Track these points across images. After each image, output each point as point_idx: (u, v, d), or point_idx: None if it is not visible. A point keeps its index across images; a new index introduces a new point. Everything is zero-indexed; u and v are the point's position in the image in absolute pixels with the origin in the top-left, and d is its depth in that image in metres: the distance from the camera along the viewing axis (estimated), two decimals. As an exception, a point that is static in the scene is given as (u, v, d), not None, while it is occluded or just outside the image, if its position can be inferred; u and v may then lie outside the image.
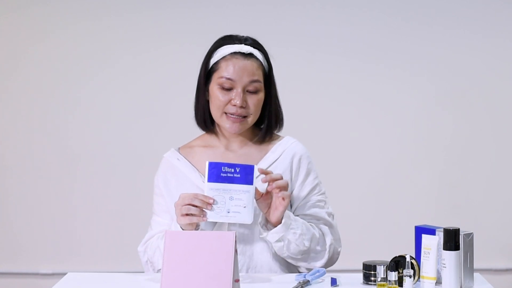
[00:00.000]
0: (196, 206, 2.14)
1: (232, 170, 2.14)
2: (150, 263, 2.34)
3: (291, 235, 2.23)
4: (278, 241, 2.23)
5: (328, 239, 2.33)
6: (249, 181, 2.14)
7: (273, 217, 2.20)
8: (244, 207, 2.13)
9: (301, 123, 3.99)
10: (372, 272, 2.10)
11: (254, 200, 2.16)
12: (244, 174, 2.14)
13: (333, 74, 4.05)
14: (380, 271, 2.00)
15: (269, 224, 2.23)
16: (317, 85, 4.05)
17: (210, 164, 2.14)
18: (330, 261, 2.35)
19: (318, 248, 2.30)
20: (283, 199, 2.18)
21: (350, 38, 4.04)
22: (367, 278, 2.12)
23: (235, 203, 2.13)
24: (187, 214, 2.14)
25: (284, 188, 2.18)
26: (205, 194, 2.14)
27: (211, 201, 2.14)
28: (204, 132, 2.43)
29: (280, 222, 2.20)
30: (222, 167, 2.14)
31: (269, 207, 2.21)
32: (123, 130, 4.05)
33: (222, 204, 2.14)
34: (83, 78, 4.05)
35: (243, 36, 2.36)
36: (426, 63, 4.05)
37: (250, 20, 4.01)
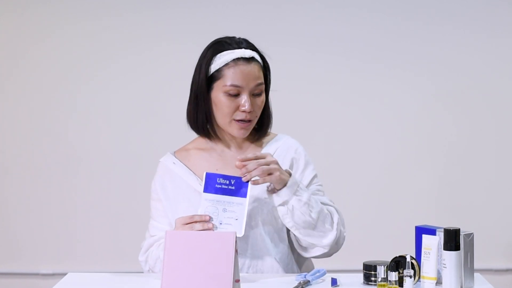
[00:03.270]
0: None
1: (227, 182, 2.15)
2: (152, 272, 2.33)
3: (295, 201, 2.20)
4: (281, 205, 2.21)
5: (335, 218, 2.30)
6: (243, 194, 2.14)
7: (276, 186, 2.20)
8: (236, 219, 2.14)
9: (301, 123, 3.99)
10: (373, 272, 2.10)
11: (246, 213, 2.15)
12: (239, 187, 2.15)
13: (333, 74, 4.05)
14: (381, 271, 2.00)
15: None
16: (317, 85, 4.05)
17: (207, 174, 2.15)
18: (337, 245, 2.31)
19: (327, 225, 2.27)
20: (269, 174, 2.17)
21: (350, 38, 4.04)
22: (367, 278, 2.12)
23: (228, 215, 2.14)
24: None
25: (256, 168, 2.16)
26: (201, 204, 2.15)
27: (207, 217, 2.14)
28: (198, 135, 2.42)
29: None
30: (217, 179, 2.15)
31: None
32: (123, 130, 4.05)
33: (215, 216, 2.14)
34: (83, 78, 4.05)
35: (238, 39, 2.34)
36: (426, 63, 4.04)
37: (250, 20, 4.01)
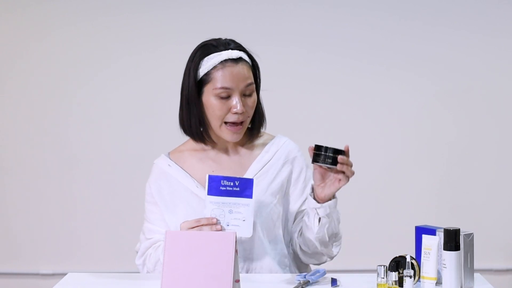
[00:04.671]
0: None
1: (232, 184, 2.14)
2: (151, 274, 2.33)
3: (336, 214, 2.24)
4: (325, 217, 2.20)
5: (340, 231, 2.35)
6: (248, 195, 2.14)
7: (327, 192, 2.17)
8: (244, 220, 2.13)
9: (301, 122, 3.99)
10: (322, 153, 2.10)
11: (253, 214, 2.15)
12: (243, 188, 2.14)
13: (334, 74, 4.05)
14: (381, 271, 2.00)
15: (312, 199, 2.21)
16: (318, 85, 4.05)
17: (210, 177, 2.14)
18: (336, 255, 2.36)
19: (339, 236, 2.32)
20: (340, 180, 2.16)
21: (351, 38, 4.04)
22: (316, 157, 2.12)
23: (235, 216, 2.13)
24: None
25: (348, 175, 2.16)
26: (206, 207, 2.14)
27: (215, 220, 2.13)
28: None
29: (327, 200, 2.19)
30: (221, 181, 2.13)
31: (324, 182, 2.18)
32: (122, 130, 4.05)
33: (221, 218, 2.13)
34: (83, 78, 4.05)
35: (225, 40, 2.31)
36: (427, 63, 4.04)
37: (250, 20, 4.01)
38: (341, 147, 2.15)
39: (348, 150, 2.15)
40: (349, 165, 2.15)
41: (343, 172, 2.15)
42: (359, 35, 4.04)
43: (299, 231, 2.33)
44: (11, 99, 4.06)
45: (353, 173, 2.16)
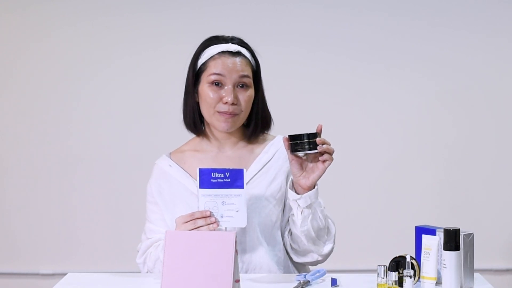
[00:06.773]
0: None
1: (222, 175, 2.13)
2: (151, 274, 2.33)
3: (317, 204, 2.21)
4: (307, 207, 2.18)
5: (334, 230, 2.32)
6: (240, 185, 2.13)
7: (313, 178, 2.15)
8: (237, 211, 2.13)
9: (302, 122, 3.98)
10: (304, 141, 2.11)
11: (246, 204, 2.14)
12: (234, 179, 2.13)
13: (335, 74, 4.05)
14: (380, 271, 2.00)
15: (294, 192, 2.20)
16: (319, 85, 4.05)
17: (201, 170, 2.14)
18: (329, 254, 2.33)
19: (328, 235, 2.29)
20: (324, 161, 2.15)
21: (352, 38, 4.04)
22: (296, 146, 2.12)
23: (228, 207, 2.13)
24: None
25: (331, 153, 2.14)
26: (199, 200, 2.13)
27: (208, 213, 2.13)
28: (194, 136, 2.41)
29: (312, 188, 2.17)
30: (212, 173, 2.13)
31: (304, 171, 2.17)
32: (123, 130, 4.05)
33: (215, 210, 2.13)
34: (83, 78, 4.05)
35: (229, 36, 2.35)
36: (427, 63, 4.05)
37: (250, 20, 4.01)
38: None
39: (321, 130, 2.14)
40: (329, 143, 2.14)
41: (323, 154, 2.14)
42: (359, 35, 4.04)
43: (289, 229, 2.33)
44: (11, 99, 4.06)
45: (334, 150, 2.15)
